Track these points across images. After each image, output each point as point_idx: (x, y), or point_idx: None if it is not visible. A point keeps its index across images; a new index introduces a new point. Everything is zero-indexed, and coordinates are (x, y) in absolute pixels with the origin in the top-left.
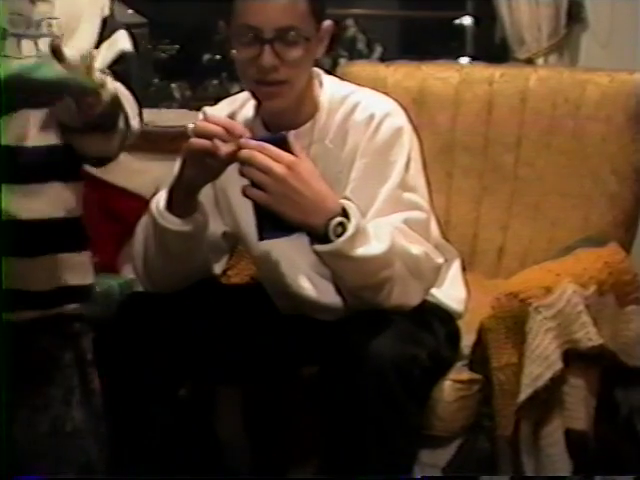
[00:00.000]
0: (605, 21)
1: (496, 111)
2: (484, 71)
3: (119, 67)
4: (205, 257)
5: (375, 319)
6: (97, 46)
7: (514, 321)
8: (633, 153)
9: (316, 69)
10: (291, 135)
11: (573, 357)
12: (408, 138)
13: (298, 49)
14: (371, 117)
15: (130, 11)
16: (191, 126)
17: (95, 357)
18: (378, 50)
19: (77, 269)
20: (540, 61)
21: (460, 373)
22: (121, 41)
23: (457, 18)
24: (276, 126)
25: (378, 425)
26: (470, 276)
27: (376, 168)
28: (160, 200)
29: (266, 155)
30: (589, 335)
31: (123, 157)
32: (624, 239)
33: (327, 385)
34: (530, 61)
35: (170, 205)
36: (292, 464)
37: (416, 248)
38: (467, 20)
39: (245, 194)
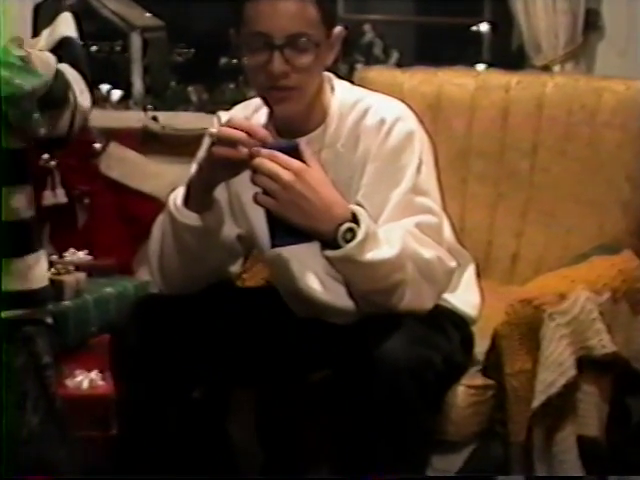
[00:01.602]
0: (622, 29)
1: (512, 118)
2: (500, 78)
3: (62, 52)
4: (220, 258)
5: (389, 323)
6: (37, 33)
7: (528, 327)
8: None
9: (328, 74)
10: (302, 143)
11: (586, 364)
12: (419, 142)
13: (308, 55)
14: (382, 122)
15: (148, 14)
16: (212, 130)
17: (110, 359)
18: (395, 55)
19: (18, 274)
20: (556, 68)
21: (474, 379)
22: (62, 26)
23: (474, 24)
24: (288, 132)
25: (391, 428)
26: (484, 282)
27: (387, 172)
28: (178, 196)
29: (275, 163)
30: (603, 342)
31: (139, 160)
32: (638, 246)
33: (341, 388)
34: (547, 68)
35: (187, 201)
36: (304, 467)
37: (428, 252)
38: (484, 27)
39: (256, 201)
